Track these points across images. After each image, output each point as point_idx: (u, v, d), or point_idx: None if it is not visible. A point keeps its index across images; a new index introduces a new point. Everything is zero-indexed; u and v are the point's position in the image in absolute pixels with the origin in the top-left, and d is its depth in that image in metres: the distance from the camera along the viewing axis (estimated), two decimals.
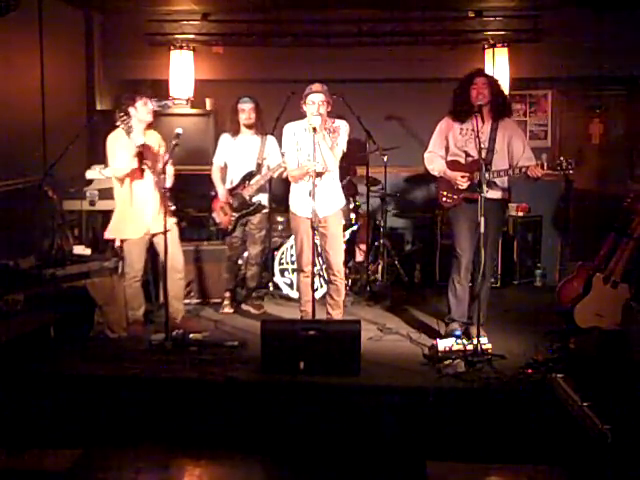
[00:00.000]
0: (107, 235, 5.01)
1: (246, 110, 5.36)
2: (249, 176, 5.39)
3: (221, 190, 5.44)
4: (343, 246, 5.03)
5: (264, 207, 5.50)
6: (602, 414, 3.20)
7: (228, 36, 6.80)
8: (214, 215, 5.52)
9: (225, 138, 5.49)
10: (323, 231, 4.74)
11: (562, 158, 4.42)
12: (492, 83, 4.64)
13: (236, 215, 5.42)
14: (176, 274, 4.99)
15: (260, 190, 5.42)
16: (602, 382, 3.64)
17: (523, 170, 4.47)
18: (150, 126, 4.96)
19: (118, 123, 4.71)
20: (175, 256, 4.95)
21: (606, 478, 3.06)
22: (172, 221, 4.96)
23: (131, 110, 4.81)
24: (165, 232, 4.62)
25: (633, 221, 4.91)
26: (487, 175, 4.46)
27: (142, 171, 4.84)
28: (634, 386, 3.57)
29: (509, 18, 6.63)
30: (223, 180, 5.49)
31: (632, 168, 6.95)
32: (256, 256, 5.57)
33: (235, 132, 5.42)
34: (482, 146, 4.48)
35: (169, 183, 4.85)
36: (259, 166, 5.40)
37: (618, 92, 6.98)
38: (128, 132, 4.68)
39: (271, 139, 5.47)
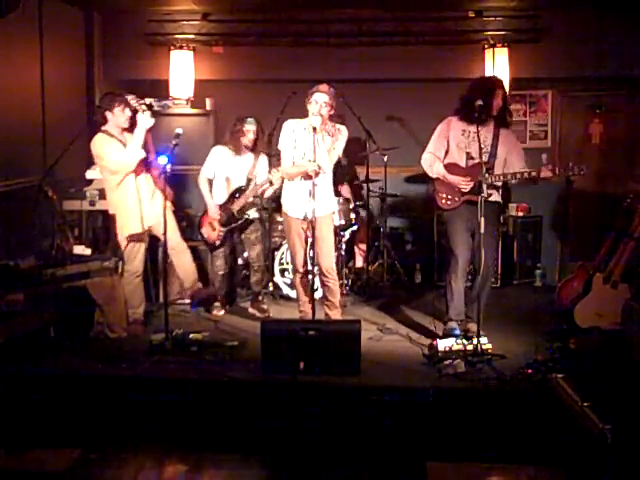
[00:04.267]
0: (121, 239, 5.02)
1: (251, 131, 5.33)
2: (238, 191, 5.37)
3: (212, 205, 5.40)
4: (333, 248, 4.99)
5: (252, 221, 5.49)
6: (602, 414, 3.20)
7: (228, 36, 6.79)
8: (202, 231, 5.45)
9: (223, 152, 5.40)
10: (314, 232, 4.72)
11: (572, 164, 4.41)
12: (505, 93, 4.69)
13: (224, 230, 5.40)
14: (178, 251, 5.17)
15: (252, 205, 5.42)
16: (602, 382, 3.64)
17: (533, 174, 4.47)
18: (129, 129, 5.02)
19: (133, 103, 4.85)
20: (172, 237, 5.02)
21: (606, 478, 3.06)
22: (166, 204, 4.96)
23: (107, 114, 4.93)
24: (165, 231, 4.65)
25: (633, 221, 4.91)
26: (493, 178, 4.50)
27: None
28: (634, 386, 3.57)
29: (509, 18, 6.62)
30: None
31: (632, 168, 6.94)
32: (258, 258, 5.54)
33: (237, 151, 5.36)
34: (485, 149, 4.50)
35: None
36: (248, 181, 5.39)
37: (618, 92, 6.98)
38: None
39: (263, 158, 5.45)
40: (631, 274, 4.85)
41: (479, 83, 4.72)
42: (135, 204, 4.97)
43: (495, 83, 4.69)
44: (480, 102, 4.46)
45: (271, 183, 5.15)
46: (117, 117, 4.91)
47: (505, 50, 6.55)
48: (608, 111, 7.00)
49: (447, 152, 4.77)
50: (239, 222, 5.40)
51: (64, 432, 3.78)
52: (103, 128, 4.94)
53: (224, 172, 5.40)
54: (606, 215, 5.57)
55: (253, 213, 5.47)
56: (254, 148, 5.40)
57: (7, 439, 3.69)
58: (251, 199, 5.37)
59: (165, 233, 4.70)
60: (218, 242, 5.44)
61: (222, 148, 5.42)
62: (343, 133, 4.74)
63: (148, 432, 3.84)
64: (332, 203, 4.89)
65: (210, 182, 5.45)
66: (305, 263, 4.78)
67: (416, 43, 6.66)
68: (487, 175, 4.42)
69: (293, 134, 4.76)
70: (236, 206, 5.35)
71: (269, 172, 5.13)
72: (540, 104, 7.11)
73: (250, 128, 5.32)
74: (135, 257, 5.00)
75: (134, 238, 4.98)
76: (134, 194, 4.97)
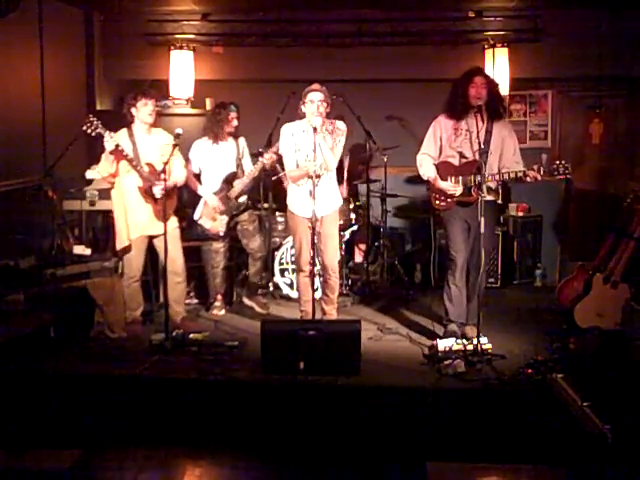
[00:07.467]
0: (118, 247, 5.00)
1: (235, 118, 5.37)
2: (232, 178, 5.39)
3: (211, 196, 5.39)
4: (338, 245, 5.02)
5: (249, 205, 5.54)
6: (602, 414, 3.20)
7: (228, 36, 6.80)
8: (201, 222, 5.44)
9: (203, 144, 5.40)
10: (319, 230, 4.74)
11: (558, 162, 4.39)
12: (490, 83, 4.62)
13: (227, 218, 5.42)
14: (176, 277, 5.00)
15: (244, 191, 5.44)
16: (602, 382, 3.64)
17: (519, 175, 4.45)
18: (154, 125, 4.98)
19: (84, 128, 4.69)
20: (175, 260, 4.96)
21: (606, 478, 3.06)
22: (174, 224, 4.98)
23: (132, 111, 4.83)
24: (165, 234, 4.64)
25: (633, 221, 4.91)
26: (484, 179, 4.47)
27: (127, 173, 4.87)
28: (634, 386, 3.57)
29: (509, 18, 6.62)
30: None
31: (632, 168, 6.95)
32: (259, 248, 5.56)
33: (219, 139, 5.37)
34: (480, 147, 4.49)
35: (179, 180, 4.98)
36: (238, 167, 5.43)
37: (618, 92, 6.98)
38: (97, 137, 4.70)
39: (242, 140, 5.50)
40: (631, 274, 4.85)
41: (458, 77, 4.66)
42: (122, 213, 4.92)
43: (470, 72, 4.61)
44: (480, 103, 4.47)
45: (264, 168, 5.33)
46: (140, 112, 4.83)
47: (505, 50, 6.55)
48: (608, 111, 7.00)
49: (441, 149, 4.73)
50: (241, 208, 5.44)
51: (64, 432, 3.78)
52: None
53: (208, 163, 5.41)
54: (606, 215, 5.57)
55: (243, 198, 5.48)
56: (235, 133, 5.44)
57: (7, 439, 3.69)
58: (248, 184, 5.41)
59: (166, 252, 4.71)
60: (222, 232, 5.44)
61: (201, 141, 5.43)
62: (342, 128, 4.76)
63: (148, 432, 3.84)
64: (337, 200, 4.90)
65: (197, 177, 5.45)
66: (310, 262, 4.78)
67: (416, 43, 6.67)
68: (478, 176, 4.40)
69: (292, 137, 4.76)
70: (234, 192, 5.38)
71: (261, 155, 5.22)
72: (540, 104, 7.11)
73: (234, 115, 5.37)
74: (132, 263, 4.99)
75: (120, 252, 4.98)
76: (126, 200, 4.92)
